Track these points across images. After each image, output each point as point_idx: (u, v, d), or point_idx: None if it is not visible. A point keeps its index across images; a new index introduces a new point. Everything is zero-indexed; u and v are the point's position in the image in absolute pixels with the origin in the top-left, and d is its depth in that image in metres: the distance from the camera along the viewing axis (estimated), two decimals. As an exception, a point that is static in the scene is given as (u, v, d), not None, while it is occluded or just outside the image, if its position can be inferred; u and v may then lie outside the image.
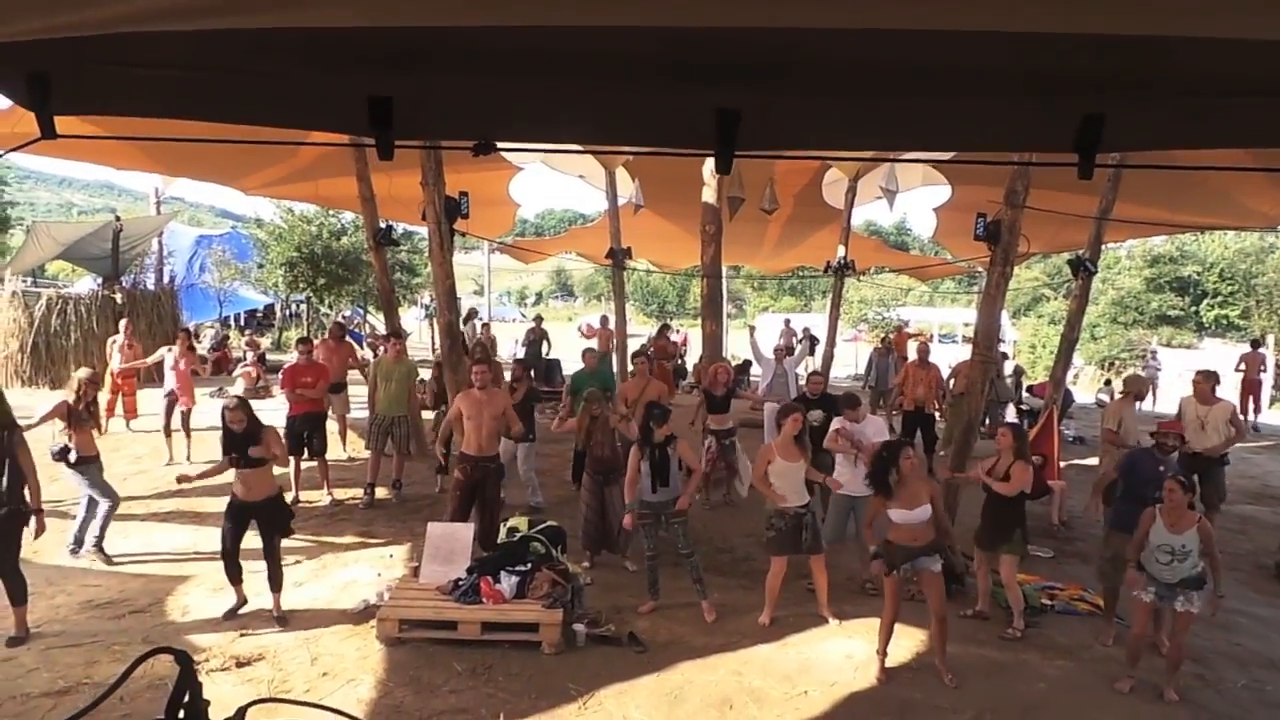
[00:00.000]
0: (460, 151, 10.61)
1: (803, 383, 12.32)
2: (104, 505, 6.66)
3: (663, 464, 5.87)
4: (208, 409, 12.69)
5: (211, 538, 6.80)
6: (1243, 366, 17.19)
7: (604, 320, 17.94)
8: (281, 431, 8.52)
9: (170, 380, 9.95)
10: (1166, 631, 5.40)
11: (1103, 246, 10.10)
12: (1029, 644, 5.73)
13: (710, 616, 5.88)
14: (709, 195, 10.48)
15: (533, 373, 16.96)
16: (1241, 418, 7.92)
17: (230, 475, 5.71)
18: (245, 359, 16.60)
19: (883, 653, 5.18)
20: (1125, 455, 6.49)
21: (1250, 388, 16.76)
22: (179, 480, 5.90)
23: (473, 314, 19.91)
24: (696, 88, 1.76)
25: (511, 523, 6.51)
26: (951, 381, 11.85)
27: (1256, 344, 19.66)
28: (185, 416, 9.98)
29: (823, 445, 6.52)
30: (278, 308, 30.03)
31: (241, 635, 5.44)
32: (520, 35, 1.53)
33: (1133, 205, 10.27)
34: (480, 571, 5.66)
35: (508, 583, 5.58)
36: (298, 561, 6.80)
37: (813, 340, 14.68)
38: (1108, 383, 21.83)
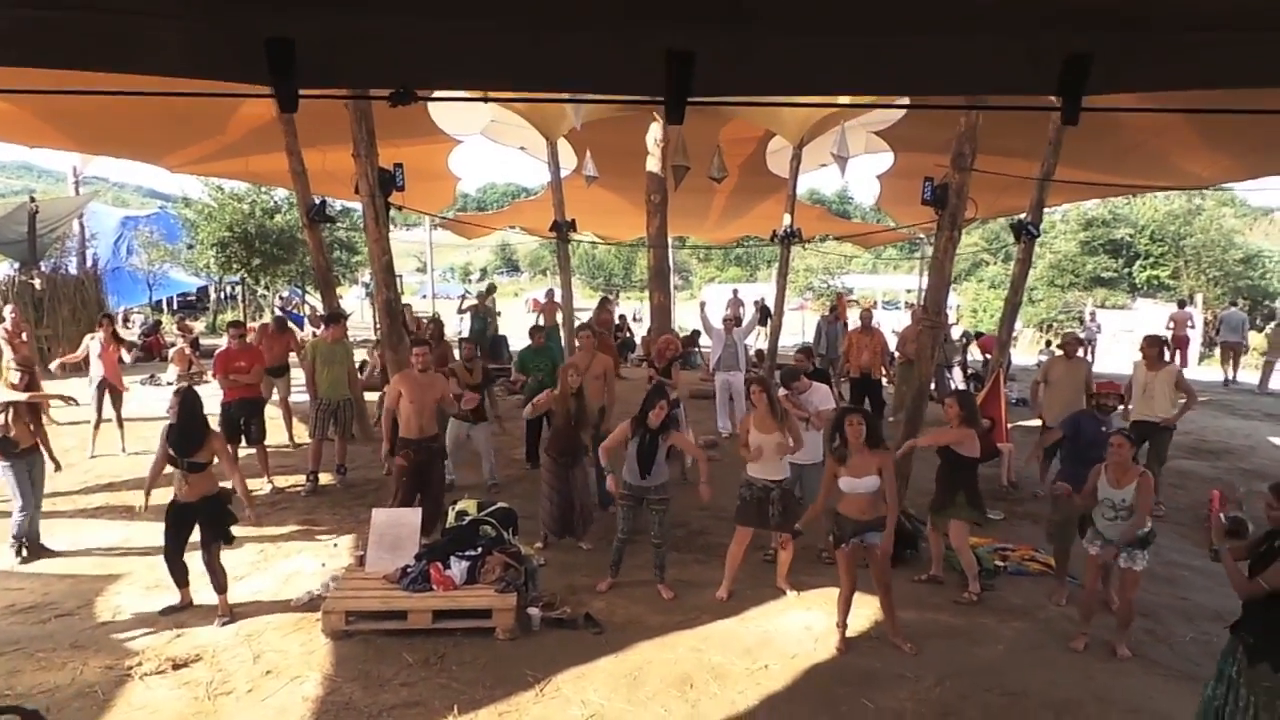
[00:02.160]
0: (395, 123, 10.27)
1: (752, 353, 12.33)
2: (15, 504, 6.27)
3: (651, 450, 5.70)
4: (140, 396, 12.20)
5: (145, 532, 6.51)
6: (1171, 325, 17.95)
7: (549, 294, 17.68)
8: (216, 419, 8.27)
9: (97, 369, 9.48)
10: (1115, 589, 5.48)
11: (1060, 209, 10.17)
12: (985, 607, 5.76)
13: (668, 595, 5.78)
14: (653, 165, 10.32)
15: (478, 349, 16.75)
16: (1188, 382, 8.06)
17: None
18: (176, 344, 15.99)
19: (842, 624, 5.14)
20: (1068, 417, 6.56)
21: (1178, 344, 17.49)
22: (134, 513, 5.57)
23: (491, 289, 19.46)
24: (645, 26, 1.57)
25: (460, 506, 6.30)
26: (897, 348, 11.94)
27: (1183, 304, 20.56)
28: (116, 404, 9.53)
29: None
30: (211, 290, 29.03)
31: (178, 635, 5.16)
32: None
33: (1072, 169, 10.37)
34: (429, 558, 5.47)
35: (458, 568, 5.40)
36: (237, 553, 6.51)
37: (764, 311, 14.61)
38: (1048, 344, 22.35)
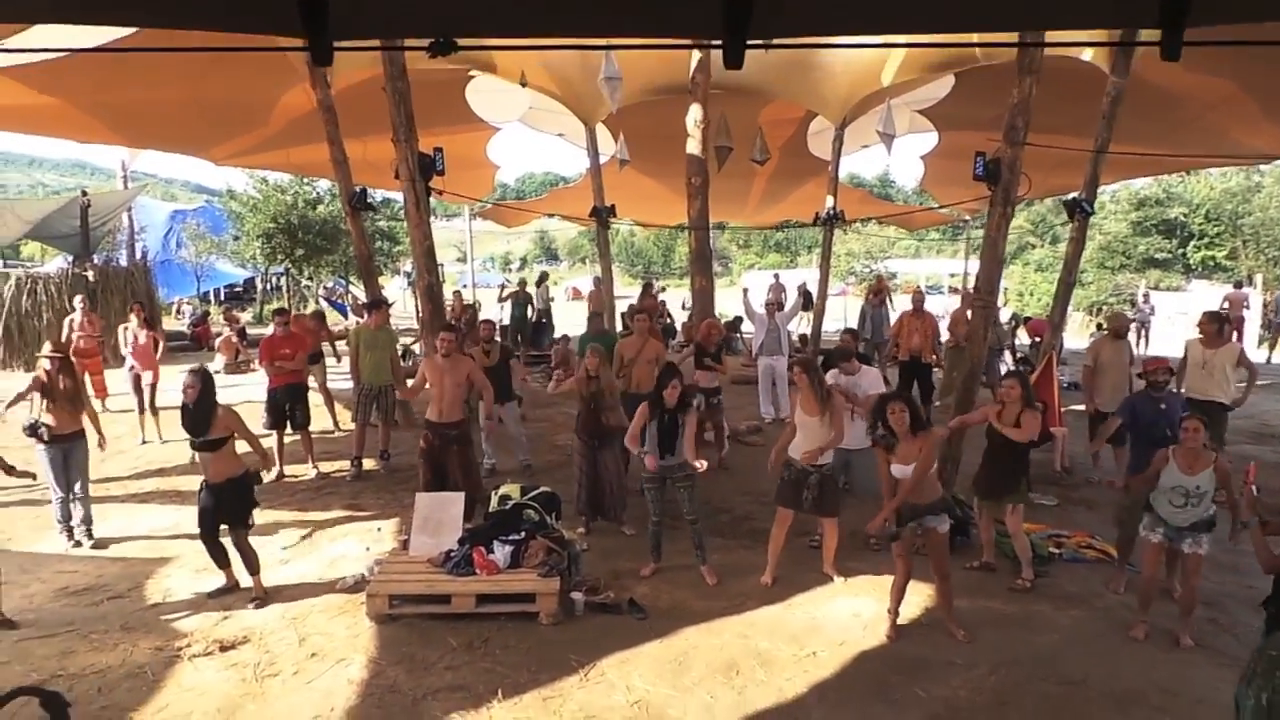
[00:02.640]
0: (433, 110, 10.25)
1: (795, 338, 12.16)
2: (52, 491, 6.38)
3: (671, 430, 5.62)
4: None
5: (194, 517, 6.57)
6: (1226, 305, 17.39)
7: (596, 282, 17.65)
8: (264, 405, 8.37)
9: (129, 356, 9.65)
10: (1178, 576, 5.28)
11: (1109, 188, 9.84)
12: (1039, 594, 5.59)
13: (712, 580, 5.70)
14: (693, 147, 10.16)
15: (519, 336, 16.78)
16: (1250, 358, 7.75)
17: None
18: (223, 333, 16.26)
19: (894, 611, 5.01)
20: (1124, 403, 6.32)
21: (1234, 325, 16.99)
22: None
23: (544, 277, 19.73)
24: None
25: (503, 490, 6.28)
26: (946, 331, 11.69)
27: (1240, 285, 19.92)
28: (151, 391, 9.68)
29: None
30: (258, 281, 29.48)
31: (225, 618, 5.22)
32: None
33: (1126, 145, 10.02)
34: (472, 542, 5.45)
35: (501, 552, 5.37)
36: (283, 537, 6.59)
37: (807, 295, 14.40)
38: (1099, 327, 21.76)
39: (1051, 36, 6.35)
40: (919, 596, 5.33)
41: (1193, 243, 36.30)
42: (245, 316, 22.15)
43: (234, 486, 5.41)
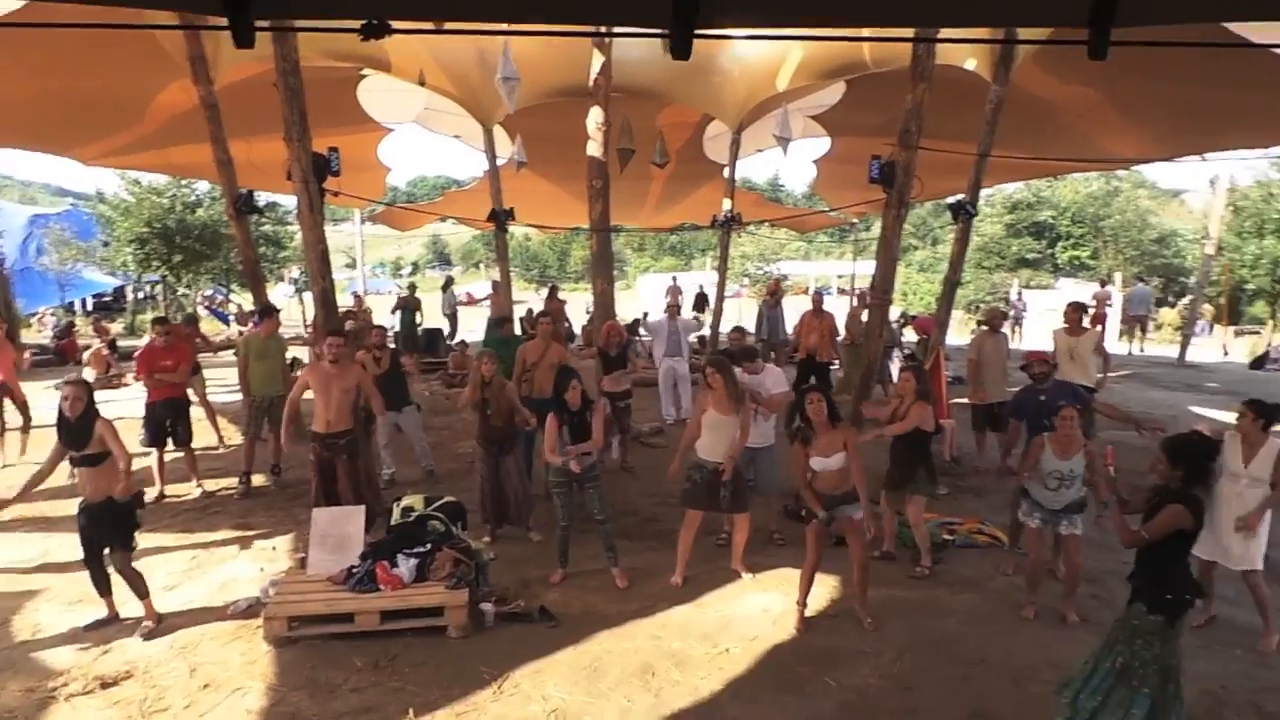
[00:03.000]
0: (324, 109, 9.88)
1: (693, 339, 12.29)
2: None
3: (581, 432, 5.58)
4: (49, 402, 11.55)
5: (65, 545, 6.10)
6: (1093, 302, 18.64)
7: (495, 286, 17.39)
8: (141, 421, 7.87)
9: None
10: (1061, 557, 5.58)
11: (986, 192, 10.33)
12: (937, 581, 5.81)
13: (622, 583, 5.67)
14: (595, 149, 10.12)
15: (411, 343, 16.37)
16: (1105, 346, 8.28)
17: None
18: (92, 346, 15.21)
19: (802, 603, 5.11)
20: (1011, 401, 6.64)
21: (1098, 321, 18.24)
22: None
23: (450, 282, 19.36)
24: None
25: (406, 501, 6.07)
26: (844, 329, 12.03)
27: (1104, 282, 21.42)
28: (23, 409, 8.98)
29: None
30: (129, 289, 27.80)
31: (106, 652, 4.84)
32: None
33: (1005, 150, 10.57)
34: (375, 556, 5.26)
35: (406, 566, 5.20)
36: (167, 562, 6.19)
37: (704, 298, 14.58)
38: (979, 324, 22.86)
39: (957, 35, 6.56)
40: (823, 588, 5.46)
41: (1060, 243, 38.65)
42: (116, 327, 20.85)
43: (115, 505, 5.04)
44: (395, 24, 1.79)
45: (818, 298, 11.20)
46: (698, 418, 5.66)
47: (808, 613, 5.17)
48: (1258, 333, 25.01)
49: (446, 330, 18.49)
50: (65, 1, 1.85)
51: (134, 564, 5.17)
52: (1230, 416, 10.71)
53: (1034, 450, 5.34)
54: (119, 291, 28.26)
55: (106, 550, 5.09)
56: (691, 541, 5.76)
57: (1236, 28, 5.91)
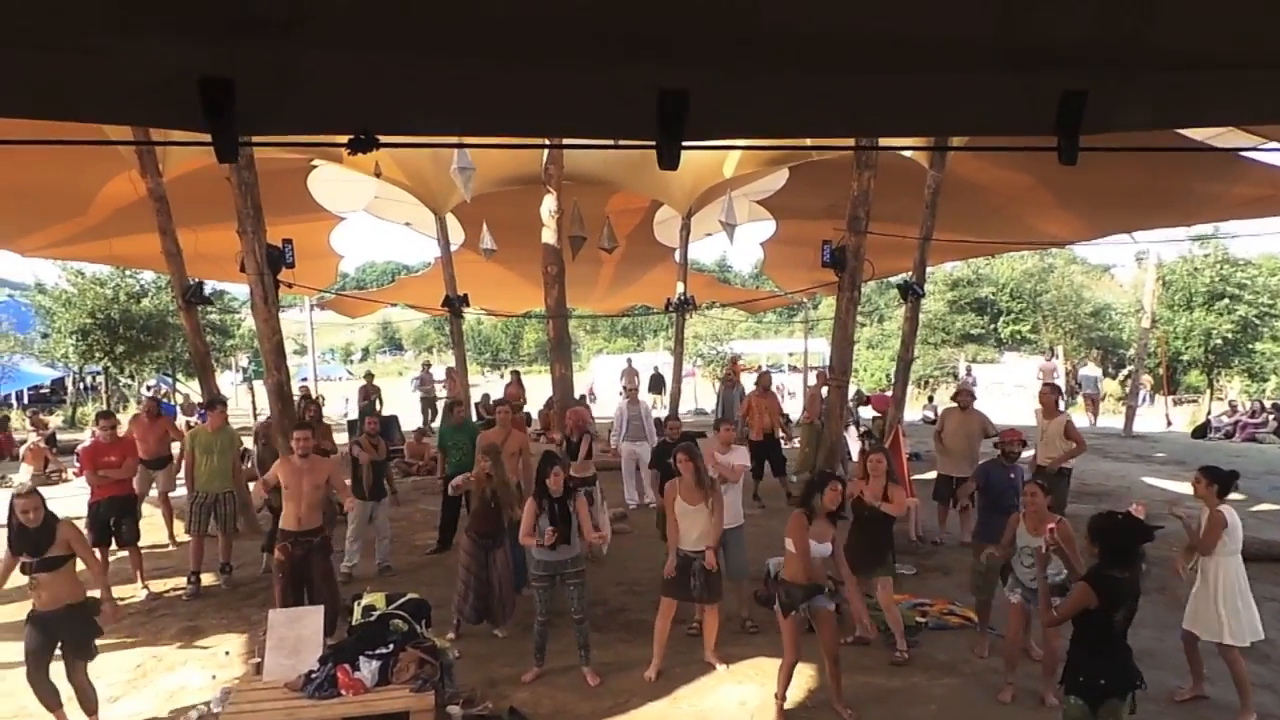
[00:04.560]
0: (275, 198, 9.88)
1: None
2: None
3: (564, 520, 5.44)
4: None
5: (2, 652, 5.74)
6: (1040, 375, 19.24)
7: (449, 372, 17.25)
8: (84, 521, 7.50)
9: None
10: (1037, 638, 5.56)
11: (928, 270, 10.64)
12: (914, 665, 5.73)
13: (594, 681, 5.49)
14: (549, 236, 10.27)
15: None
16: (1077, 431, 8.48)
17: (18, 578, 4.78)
18: (28, 440, 14.62)
19: (781, 696, 4.98)
20: (979, 469, 6.72)
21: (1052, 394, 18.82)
22: None
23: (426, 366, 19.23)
24: (635, 64, 1.47)
25: (366, 600, 5.82)
26: (805, 407, 12.12)
27: (1050, 356, 22.22)
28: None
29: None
30: (69, 381, 26.98)
31: (43, 774, 4.52)
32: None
33: (943, 231, 10.97)
34: (335, 660, 5.01)
35: (368, 669, 4.96)
36: (110, 670, 5.82)
37: (659, 379, 14.65)
38: (930, 399, 23.35)
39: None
40: (799, 678, 5.32)
41: (1002, 318, 39.88)
42: (55, 420, 20.13)
43: (75, 612, 4.78)
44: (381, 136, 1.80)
45: (765, 378, 11.31)
46: (671, 509, 5.59)
47: (786, 705, 5.05)
48: (1195, 401, 25.91)
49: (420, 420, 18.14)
50: (63, 119, 1.81)
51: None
52: (1181, 486, 10.99)
53: (1011, 527, 5.37)
54: (57, 383, 27.42)
55: (66, 656, 4.81)
56: (667, 632, 5.62)
57: (1190, 131, 6.28)
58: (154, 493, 8.99)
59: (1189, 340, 26.90)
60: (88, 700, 4.84)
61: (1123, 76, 1.62)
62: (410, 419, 17.79)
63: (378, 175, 11.10)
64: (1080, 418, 19.83)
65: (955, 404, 8.95)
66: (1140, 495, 11.33)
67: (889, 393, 11.37)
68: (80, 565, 4.94)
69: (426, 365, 21.77)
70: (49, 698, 4.84)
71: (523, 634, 5.93)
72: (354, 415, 16.18)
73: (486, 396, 16.48)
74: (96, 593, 4.98)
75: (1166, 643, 5.70)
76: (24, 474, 13.04)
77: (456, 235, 14.88)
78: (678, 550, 5.54)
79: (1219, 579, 5.02)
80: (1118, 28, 1.40)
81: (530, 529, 5.46)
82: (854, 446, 11.59)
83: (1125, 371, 26.56)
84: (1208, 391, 26.73)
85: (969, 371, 24.33)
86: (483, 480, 6.30)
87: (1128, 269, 46.98)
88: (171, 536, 9.16)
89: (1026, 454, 7.14)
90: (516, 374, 18.38)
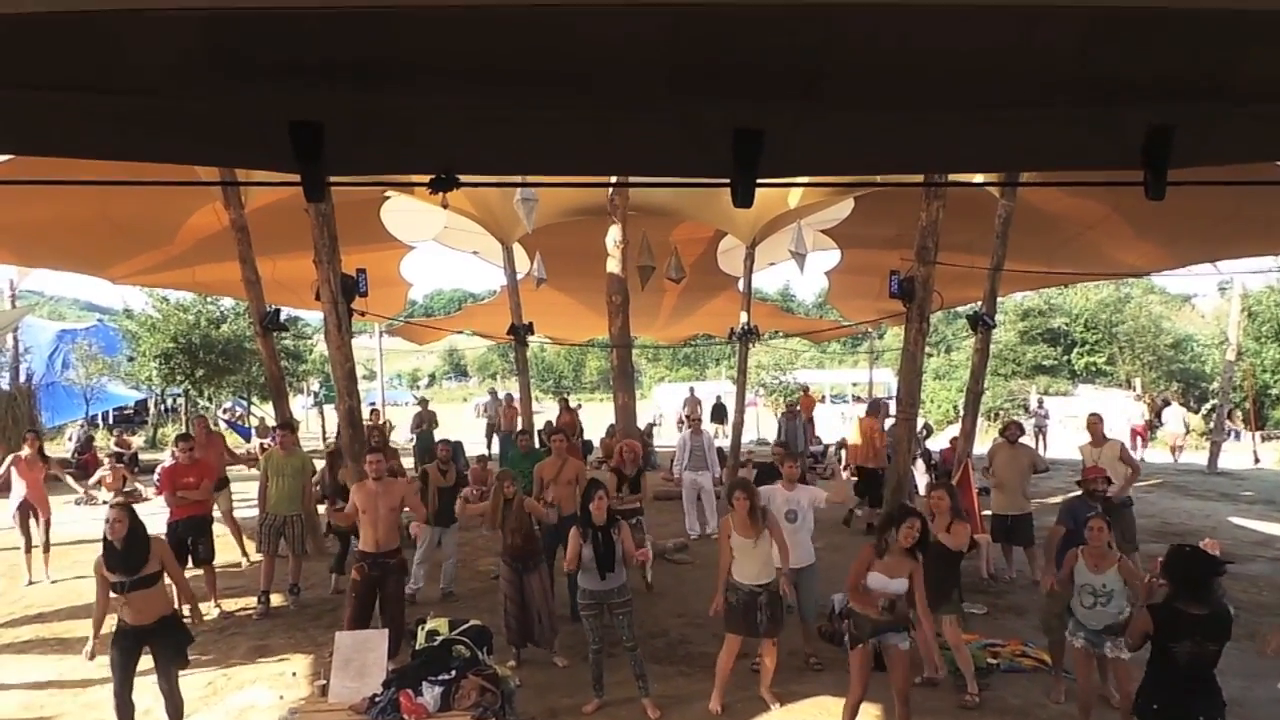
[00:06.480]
0: (348, 229, 10.20)
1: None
2: None
3: (607, 549, 5.44)
4: (69, 519, 11.49)
5: (79, 668, 5.94)
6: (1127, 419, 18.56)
7: (509, 399, 17.46)
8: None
9: (19, 489, 8.88)
10: (1113, 683, 5.31)
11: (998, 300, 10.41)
12: (984, 708, 5.54)
13: (654, 714, 5.43)
14: (614, 266, 10.35)
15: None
16: (1132, 454, 8.16)
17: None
18: (105, 464, 15.20)
19: (846, 734, 4.86)
20: (1064, 507, 6.49)
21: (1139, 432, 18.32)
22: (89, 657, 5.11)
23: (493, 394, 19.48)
24: (709, 104, 1.48)
25: (430, 625, 5.89)
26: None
27: (1167, 401, 21.57)
28: (46, 528, 8.92)
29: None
30: (151, 403, 28.12)
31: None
32: (490, 32, 1.21)
33: (1014, 262, 10.73)
34: (399, 684, 5.06)
35: (430, 694, 5.00)
36: (182, 687, 5.98)
37: (722, 408, 14.58)
38: (1002, 432, 22.72)
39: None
40: (864, 717, 5.19)
41: (1075, 350, 38.67)
42: (138, 440, 20.97)
43: (168, 623, 4.95)
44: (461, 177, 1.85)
45: (883, 407, 11.05)
46: (725, 543, 5.54)
47: (850, 746, 4.92)
48: (1285, 437, 24.69)
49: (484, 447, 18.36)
50: (163, 162, 1.91)
51: (139, 694, 4.99)
52: (1270, 527, 10.45)
53: (1068, 564, 5.16)
54: (140, 405, 28.58)
55: (161, 666, 4.95)
56: (730, 666, 5.54)
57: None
58: (217, 513, 9.25)
59: (1278, 373, 25.69)
60: (176, 708, 4.98)
61: (1212, 111, 1.58)
62: (472, 445, 18.06)
63: (445, 206, 11.35)
64: (1162, 454, 19.10)
65: (1003, 438, 8.66)
66: (1227, 536, 10.82)
67: (955, 434, 11.08)
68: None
69: (493, 392, 22.05)
70: (126, 714, 4.96)
71: (583, 664, 5.91)
72: (409, 439, 16.47)
73: (549, 424, 16.61)
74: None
75: (1256, 692, 5.41)
76: (103, 496, 13.59)
77: (523, 264, 15.13)
78: (739, 586, 5.46)
79: None
80: (1206, 61, 1.36)
81: (575, 556, 5.47)
82: (921, 481, 11.35)
83: (1209, 405, 25.45)
84: (1299, 427, 25.47)
85: (1040, 404, 23.58)
86: (497, 507, 6.37)
87: (1209, 298, 45.27)
88: (245, 554, 9.40)
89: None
90: (564, 400, 18.34)
